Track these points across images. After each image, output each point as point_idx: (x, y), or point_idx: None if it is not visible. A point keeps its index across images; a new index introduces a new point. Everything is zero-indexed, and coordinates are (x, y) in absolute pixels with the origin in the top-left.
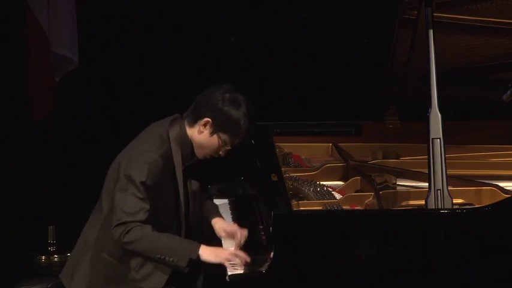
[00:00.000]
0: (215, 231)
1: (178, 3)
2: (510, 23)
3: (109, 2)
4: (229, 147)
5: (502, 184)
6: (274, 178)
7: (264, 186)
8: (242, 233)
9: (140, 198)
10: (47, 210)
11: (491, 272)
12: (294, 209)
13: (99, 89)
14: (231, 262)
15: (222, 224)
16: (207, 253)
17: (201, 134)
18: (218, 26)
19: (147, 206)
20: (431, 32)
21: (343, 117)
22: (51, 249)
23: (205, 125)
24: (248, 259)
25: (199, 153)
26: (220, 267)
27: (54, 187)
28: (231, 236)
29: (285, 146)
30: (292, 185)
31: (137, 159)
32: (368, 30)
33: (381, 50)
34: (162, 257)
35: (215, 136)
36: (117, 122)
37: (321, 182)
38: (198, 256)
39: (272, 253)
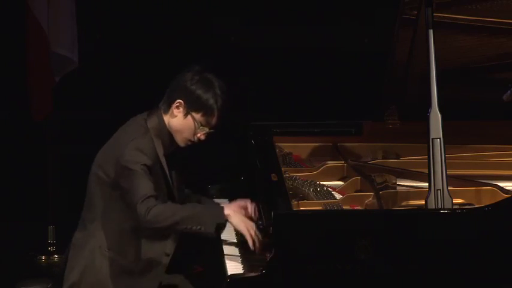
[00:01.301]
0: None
1: (178, 3)
2: (510, 23)
3: (109, 2)
4: (207, 129)
5: (502, 184)
6: (274, 178)
7: (264, 186)
8: (252, 207)
9: (147, 180)
10: (47, 210)
11: (491, 272)
12: (294, 209)
13: (99, 89)
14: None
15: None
16: (236, 216)
17: (175, 118)
18: (218, 26)
19: (153, 184)
20: (431, 32)
21: (343, 117)
22: (51, 249)
23: (178, 107)
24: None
25: (178, 139)
26: (220, 266)
27: (54, 187)
28: (246, 210)
29: (285, 146)
30: (292, 185)
31: (129, 147)
32: (368, 30)
33: (381, 50)
34: (188, 227)
35: (189, 117)
36: (117, 122)
37: (321, 182)
38: (225, 218)
39: (272, 253)
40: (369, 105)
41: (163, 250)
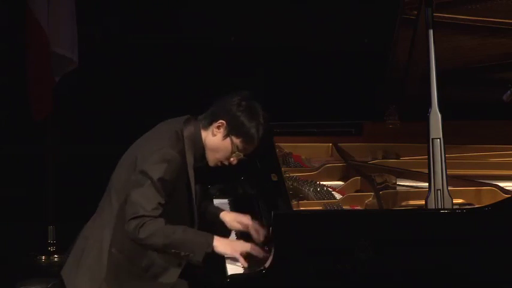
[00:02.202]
0: (227, 224)
1: (178, 3)
2: (510, 23)
3: (109, 2)
4: (241, 155)
5: (502, 184)
6: (274, 178)
7: (264, 186)
8: (254, 224)
9: (157, 194)
10: (47, 210)
11: (491, 272)
12: (294, 209)
13: (99, 89)
14: (241, 259)
15: (233, 216)
16: (222, 245)
17: (214, 137)
18: (218, 26)
19: (163, 202)
20: (431, 32)
21: (343, 117)
22: (51, 249)
23: (219, 127)
24: (262, 253)
25: (210, 157)
26: (220, 267)
27: (54, 187)
28: (245, 226)
29: (285, 146)
30: (292, 185)
31: (155, 156)
32: (368, 30)
33: (381, 50)
34: (177, 252)
35: (228, 139)
36: (117, 122)
37: (321, 182)
38: (213, 248)
39: (272, 253)
40: (369, 105)
41: (175, 259)
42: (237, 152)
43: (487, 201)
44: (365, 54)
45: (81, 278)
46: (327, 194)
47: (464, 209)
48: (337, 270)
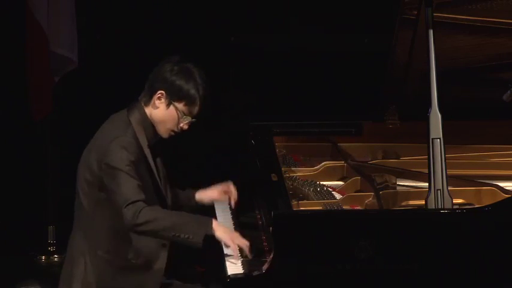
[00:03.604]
0: (204, 199)
1: (178, 3)
2: (510, 23)
3: (109, 2)
4: (190, 118)
5: (502, 184)
6: (274, 178)
7: (264, 186)
8: (233, 189)
9: (132, 179)
10: (47, 210)
11: (491, 272)
12: (294, 209)
13: (99, 89)
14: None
15: (210, 189)
16: (221, 230)
17: (157, 109)
18: (218, 26)
19: (140, 184)
20: (431, 32)
21: (344, 117)
22: (51, 249)
23: (159, 98)
24: (251, 255)
25: (161, 130)
26: (220, 266)
27: (54, 187)
28: (226, 193)
29: (285, 146)
30: (292, 185)
31: (111, 147)
32: (368, 30)
33: (381, 50)
34: (176, 235)
35: (172, 107)
36: None
37: (321, 182)
38: (212, 231)
39: (272, 253)
40: (369, 105)
41: (159, 242)
42: (185, 117)
43: (487, 201)
44: (365, 54)
45: (76, 286)
46: (327, 194)
47: (464, 209)
48: (337, 270)
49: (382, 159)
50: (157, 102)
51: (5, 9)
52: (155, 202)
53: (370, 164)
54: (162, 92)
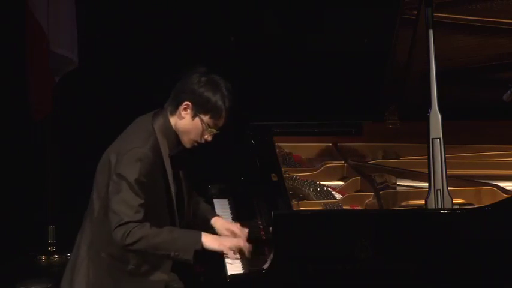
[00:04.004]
0: (216, 230)
1: (178, 3)
2: (510, 23)
3: (109, 2)
4: (214, 131)
5: (502, 184)
6: (274, 178)
7: (264, 186)
8: (244, 232)
9: (135, 196)
10: (47, 210)
11: (491, 271)
12: (294, 209)
13: (99, 89)
14: (230, 254)
15: (223, 222)
16: (210, 240)
17: (183, 120)
18: (218, 26)
19: (142, 202)
20: (431, 32)
21: (343, 117)
22: (51, 249)
23: (185, 109)
24: (249, 252)
25: (185, 140)
26: (220, 266)
27: (54, 187)
28: (234, 234)
29: (285, 146)
30: (292, 185)
31: (126, 157)
32: (368, 30)
33: (381, 50)
34: (166, 253)
35: (197, 119)
36: (117, 122)
37: (321, 182)
38: (202, 245)
39: (272, 253)
40: (369, 105)
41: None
42: (210, 129)
43: (487, 201)
44: (365, 54)
45: (78, 286)
46: (327, 194)
47: (464, 209)
48: (337, 270)
49: (382, 159)
50: (183, 113)
51: (5, 9)
52: (165, 215)
53: (370, 164)
54: (189, 103)
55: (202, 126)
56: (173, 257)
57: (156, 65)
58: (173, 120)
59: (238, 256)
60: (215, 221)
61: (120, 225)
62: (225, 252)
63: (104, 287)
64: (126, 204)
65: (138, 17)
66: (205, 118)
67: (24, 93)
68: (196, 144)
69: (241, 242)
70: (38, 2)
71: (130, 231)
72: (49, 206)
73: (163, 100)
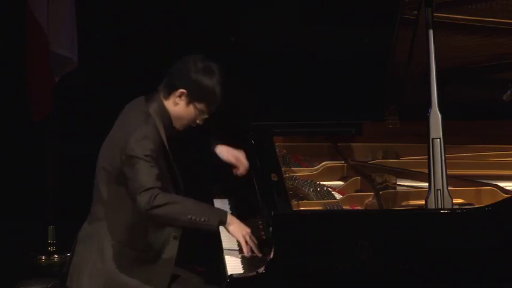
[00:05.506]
0: (222, 156)
1: (178, 3)
2: (510, 23)
3: (109, 2)
4: (206, 116)
5: (502, 184)
6: (274, 178)
7: (264, 186)
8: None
9: (152, 167)
10: (47, 210)
11: (491, 272)
12: (294, 209)
13: (99, 89)
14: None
15: (228, 149)
16: (236, 222)
17: (176, 106)
18: (218, 26)
19: (158, 173)
20: (431, 32)
21: (344, 116)
22: (51, 249)
23: (180, 96)
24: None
25: (177, 124)
26: (220, 266)
27: (54, 187)
28: (239, 161)
29: (285, 146)
30: (292, 185)
31: (134, 136)
32: (368, 30)
33: (381, 50)
34: (193, 218)
35: (191, 106)
36: None
37: (321, 182)
38: (226, 221)
39: (272, 253)
40: (369, 105)
41: (170, 234)
42: (202, 114)
43: (487, 201)
44: (365, 54)
45: (87, 279)
46: (327, 194)
47: (464, 209)
48: (337, 270)
49: (382, 159)
50: (177, 99)
51: (5, 9)
52: (170, 189)
53: (370, 164)
54: (184, 91)
55: (196, 113)
56: (199, 223)
57: (156, 65)
58: (167, 104)
59: (247, 251)
60: (220, 149)
61: (144, 190)
62: (240, 240)
63: (111, 274)
64: (144, 174)
65: (138, 17)
66: (200, 106)
67: (24, 93)
68: (187, 127)
69: (253, 239)
70: (38, 2)
71: (156, 195)
72: (49, 206)
73: None
